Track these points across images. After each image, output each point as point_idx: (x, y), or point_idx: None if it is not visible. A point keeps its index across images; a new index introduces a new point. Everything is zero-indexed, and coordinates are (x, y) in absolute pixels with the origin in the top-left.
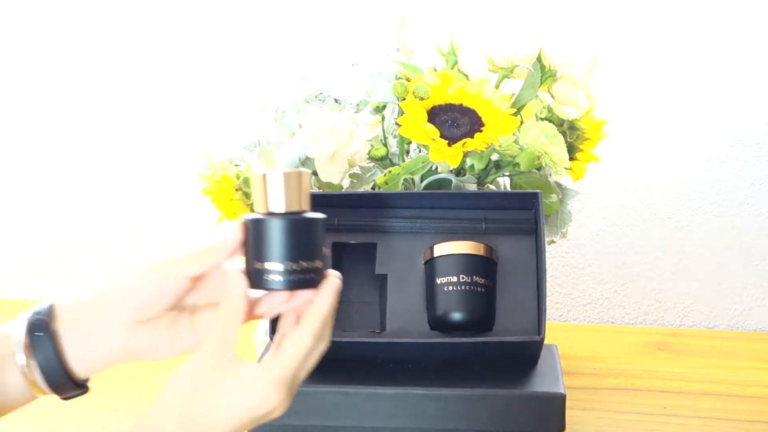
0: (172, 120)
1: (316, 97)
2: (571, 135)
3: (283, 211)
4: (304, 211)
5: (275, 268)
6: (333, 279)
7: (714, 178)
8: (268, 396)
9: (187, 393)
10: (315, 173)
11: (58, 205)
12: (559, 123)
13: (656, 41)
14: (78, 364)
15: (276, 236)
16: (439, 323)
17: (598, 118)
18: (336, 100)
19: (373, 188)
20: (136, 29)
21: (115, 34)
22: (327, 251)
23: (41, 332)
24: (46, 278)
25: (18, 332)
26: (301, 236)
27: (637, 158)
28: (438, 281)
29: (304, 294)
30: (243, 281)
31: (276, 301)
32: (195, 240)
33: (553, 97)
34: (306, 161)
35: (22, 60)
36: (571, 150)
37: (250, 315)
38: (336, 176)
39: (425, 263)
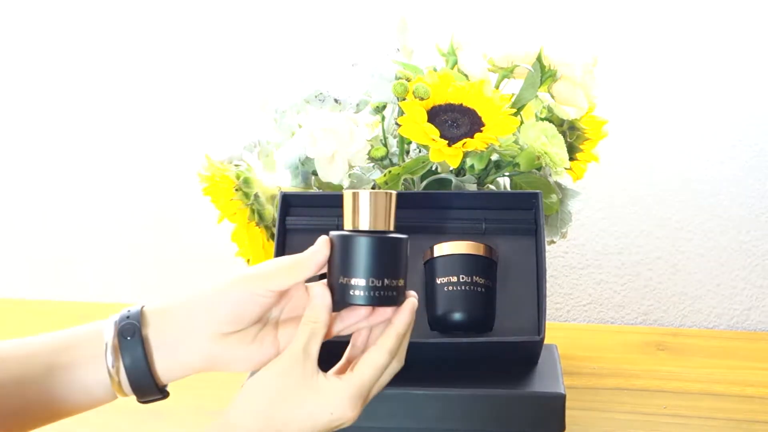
0: (172, 120)
1: (316, 97)
2: (571, 135)
3: (370, 229)
4: (391, 231)
5: (359, 283)
6: (412, 300)
7: (714, 178)
8: (344, 409)
9: (267, 400)
10: (315, 173)
11: (57, 205)
12: (559, 123)
13: (656, 41)
14: (163, 369)
15: (363, 253)
16: (439, 323)
17: (598, 118)
18: (336, 100)
19: (373, 188)
20: (136, 29)
21: (115, 34)
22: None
23: (131, 336)
24: (45, 278)
25: (108, 333)
26: (387, 254)
27: (637, 158)
28: (438, 281)
29: (385, 311)
30: (327, 294)
31: (357, 317)
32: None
33: (553, 97)
34: (306, 161)
35: (22, 60)
36: (571, 150)
37: (329, 331)
38: (336, 176)
39: (425, 263)
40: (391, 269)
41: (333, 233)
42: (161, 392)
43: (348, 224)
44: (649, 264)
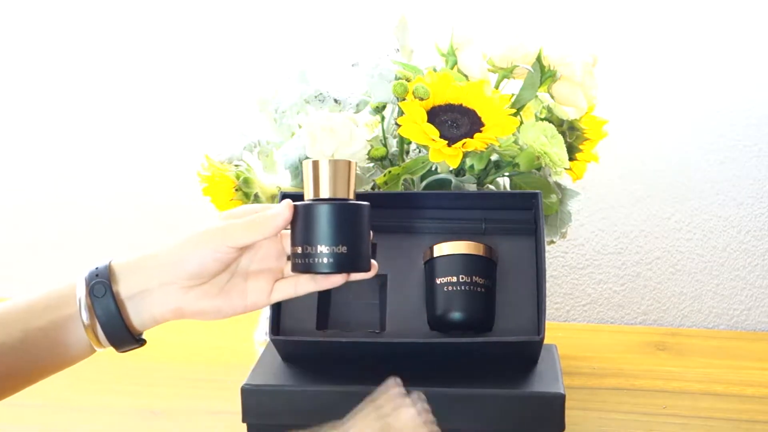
0: (172, 120)
1: (315, 97)
2: (571, 135)
3: (331, 197)
4: (351, 199)
5: (323, 251)
6: None
7: (714, 178)
8: None
9: None
10: None
11: (56, 205)
12: (559, 123)
13: (656, 41)
14: (136, 321)
15: (324, 221)
16: (439, 323)
17: (597, 118)
18: (336, 100)
19: (373, 188)
20: (136, 29)
21: (115, 34)
22: (371, 236)
23: (102, 294)
24: (44, 278)
25: (80, 291)
26: (348, 221)
27: (637, 158)
28: (438, 281)
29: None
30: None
31: (323, 285)
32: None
33: (552, 97)
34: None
35: (21, 60)
36: (571, 150)
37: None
38: None
39: (425, 263)
40: (353, 236)
41: (294, 202)
42: (138, 341)
43: (309, 194)
44: (649, 264)
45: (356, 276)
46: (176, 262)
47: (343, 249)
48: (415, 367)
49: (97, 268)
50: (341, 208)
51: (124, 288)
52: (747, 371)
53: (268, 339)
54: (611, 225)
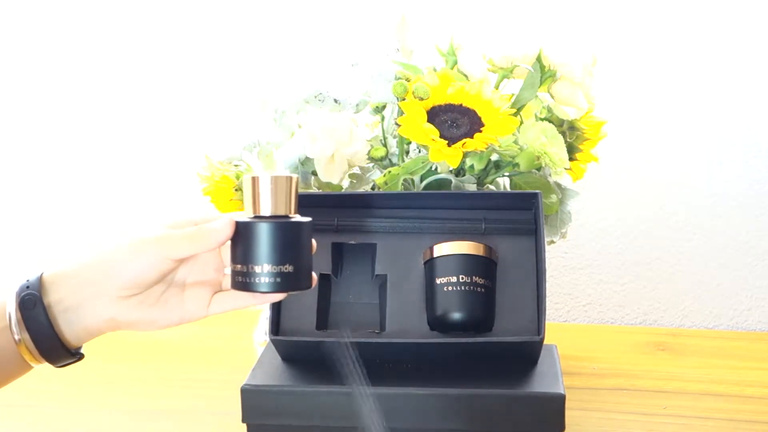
0: (172, 120)
1: (315, 97)
2: (571, 135)
3: (272, 214)
4: (292, 216)
5: (263, 270)
6: None
7: (713, 178)
8: None
9: None
10: (315, 173)
11: (56, 206)
12: (559, 123)
13: (656, 41)
14: (70, 334)
15: (264, 240)
16: (439, 323)
17: (597, 118)
18: (336, 101)
19: (373, 188)
20: (136, 29)
21: (115, 34)
22: (314, 248)
23: (33, 307)
24: None
25: (10, 306)
26: (289, 240)
27: (637, 158)
28: (438, 281)
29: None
30: None
31: (262, 301)
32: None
33: (552, 97)
34: (306, 161)
35: (21, 60)
36: (571, 150)
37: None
38: (336, 176)
39: (425, 263)
40: (297, 255)
41: (234, 217)
42: (74, 355)
43: (249, 210)
44: (649, 264)
45: (296, 292)
46: (111, 272)
47: (289, 268)
48: (416, 367)
49: (28, 281)
50: (284, 227)
51: (55, 299)
52: (747, 371)
53: (268, 339)
54: (611, 225)
